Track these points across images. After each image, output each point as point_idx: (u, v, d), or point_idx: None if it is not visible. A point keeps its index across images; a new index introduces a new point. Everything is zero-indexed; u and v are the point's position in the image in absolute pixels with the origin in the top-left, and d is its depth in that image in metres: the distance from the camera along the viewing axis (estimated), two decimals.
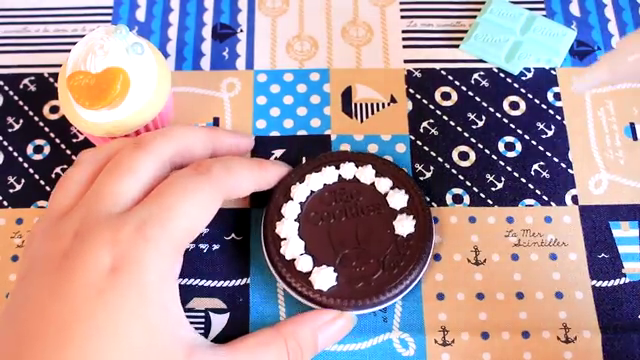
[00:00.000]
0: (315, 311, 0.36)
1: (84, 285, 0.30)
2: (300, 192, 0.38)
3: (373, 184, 0.39)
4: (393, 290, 0.36)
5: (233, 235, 0.39)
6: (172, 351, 0.31)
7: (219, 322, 0.37)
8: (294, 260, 0.36)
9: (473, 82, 0.44)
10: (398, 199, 0.38)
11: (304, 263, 0.36)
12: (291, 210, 0.37)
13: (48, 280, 0.30)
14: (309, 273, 0.36)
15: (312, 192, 0.38)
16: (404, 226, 0.37)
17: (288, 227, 0.37)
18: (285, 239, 0.37)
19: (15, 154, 0.42)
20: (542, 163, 0.41)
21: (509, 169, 0.41)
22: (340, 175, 0.39)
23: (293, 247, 0.36)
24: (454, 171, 0.41)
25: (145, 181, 0.33)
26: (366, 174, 0.39)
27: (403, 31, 0.46)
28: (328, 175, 0.38)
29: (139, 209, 0.32)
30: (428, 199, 0.40)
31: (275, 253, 0.36)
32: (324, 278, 0.36)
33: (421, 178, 0.41)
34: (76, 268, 0.30)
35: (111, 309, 0.29)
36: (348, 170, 0.39)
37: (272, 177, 0.38)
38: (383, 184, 0.38)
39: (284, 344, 0.33)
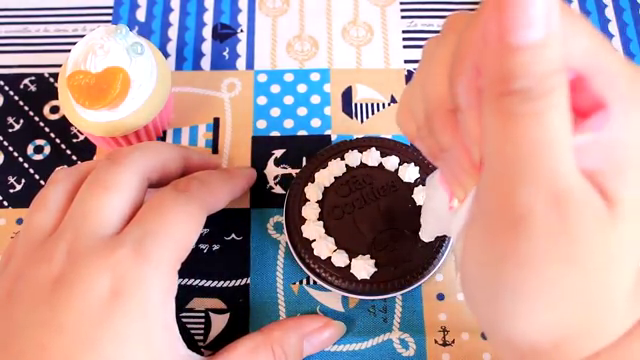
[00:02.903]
0: (304, 317, 0.36)
1: (84, 313, 0.28)
2: (314, 191, 0.38)
3: (381, 164, 0.39)
4: (435, 261, 0.36)
5: (233, 235, 0.39)
6: None
7: (219, 322, 0.37)
8: (330, 258, 0.36)
9: None
10: (410, 173, 0.38)
11: (340, 258, 0.36)
12: (311, 211, 0.37)
13: (42, 309, 0.28)
14: (348, 267, 0.36)
15: (326, 188, 0.38)
16: (424, 197, 0.37)
17: (314, 228, 0.37)
18: (315, 240, 0.37)
19: (15, 154, 0.42)
20: None
21: None
22: (347, 165, 0.39)
23: (324, 246, 0.36)
24: None
25: (129, 197, 0.32)
26: (372, 157, 0.39)
27: (403, 31, 0.46)
28: (335, 168, 0.39)
29: (132, 229, 0.31)
30: None
31: (309, 256, 0.36)
32: (363, 267, 0.36)
33: None
34: (73, 295, 0.28)
35: (116, 336, 0.28)
36: (353, 158, 0.39)
37: (242, 183, 0.38)
38: (391, 162, 0.39)
39: (271, 351, 0.33)
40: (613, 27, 0.45)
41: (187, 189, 0.33)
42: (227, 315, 0.37)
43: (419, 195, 0.38)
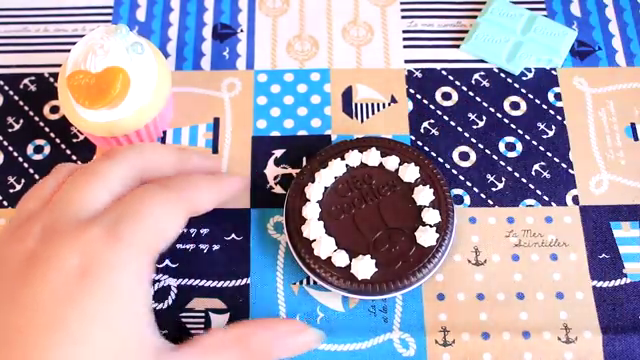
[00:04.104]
0: (280, 320, 0.36)
1: (51, 291, 0.28)
2: (315, 191, 0.38)
3: (381, 164, 0.39)
4: (432, 260, 0.36)
5: (233, 235, 0.39)
6: (141, 357, 0.30)
7: (219, 322, 0.37)
8: (330, 258, 0.36)
9: (474, 82, 0.44)
10: (410, 172, 0.38)
11: (340, 258, 0.36)
12: (311, 211, 0.37)
13: (10, 285, 0.29)
14: (348, 267, 0.36)
15: (326, 188, 0.38)
16: (424, 196, 0.38)
17: (314, 228, 0.37)
18: (315, 240, 0.37)
19: (15, 154, 0.42)
20: (543, 163, 0.41)
21: (510, 169, 0.41)
22: (347, 164, 0.39)
23: (325, 245, 0.36)
24: (454, 171, 0.41)
25: (113, 188, 0.32)
26: (372, 157, 0.39)
27: (404, 31, 0.46)
28: (336, 168, 0.39)
29: (108, 212, 0.31)
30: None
31: (309, 256, 0.36)
32: (364, 267, 0.36)
33: None
34: (41, 272, 0.28)
35: (82, 316, 0.28)
36: (354, 158, 0.39)
37: (230, 188, 0.38)
38: (391, 162, 0.39)
39: (238, 347, 0.32)
40: (613, 27, 0.45)
41: (171, 185, 0.33)
42: (227, 315, 0.37)
43: (419, 195, 0.38)
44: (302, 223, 0.37)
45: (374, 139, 0.40)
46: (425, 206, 0.38)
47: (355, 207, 0.38)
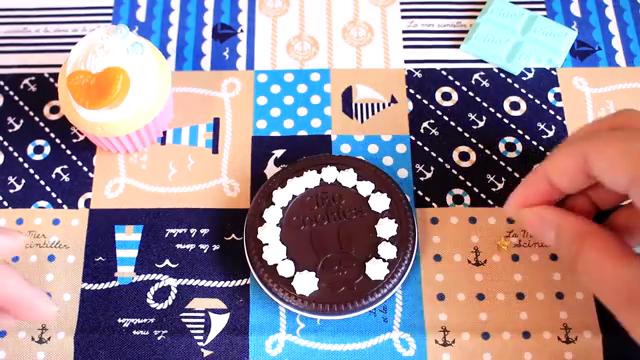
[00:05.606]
0: None
1: None
2: (282, 196, 0.38)
3: (355, 187, 0.38)
4: (375, 294, 0.36)
5: (233, 236, 0.39)
6: None
7: (219, 322, 0.37)
8: (276, 265, 0.36)
9: (474, 82, 0.44)
10: (380, 202, 0.38)
11: (286, 268, 0.36)
12: (273, 215, 0.37)
13: None
14: (291, 278, 0.36)
15: (294, 196, 0.38)
16: (386, 229, 0.37)
17: (270, 232, 0.37)
18: (267, 244, 0.37)
19: (15, 154, 0.42)
20: None
21: (510, 169, 0.41)
22: (322, 179, 0.39)
23: (275, 252, 0.36)
24: (455, 171, 0.41)
25: None
26: (348, 178, 0.38)
27: (403, 31, 0.46)
28: (310, 179, 0.38)
29: None
30: (428, 199, 0.40)
31: (257, 259, 0.36)
32: (305, 283, 0.35)
33: (421, 179, 0.41)
34: None
35: None
36: (330, 174, 0.39)
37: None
38: (365, 187, 0.38)
39: None
40: (613, 27, 0.45)
41: None
42: (227, 315, 0.37)
43: (382, 226, 0.37)
44: (260, 224, 0.37)
45: (355, 160, 0.39)
46: (385, 240, 0.37)
47: (317, 222, 0.37)
